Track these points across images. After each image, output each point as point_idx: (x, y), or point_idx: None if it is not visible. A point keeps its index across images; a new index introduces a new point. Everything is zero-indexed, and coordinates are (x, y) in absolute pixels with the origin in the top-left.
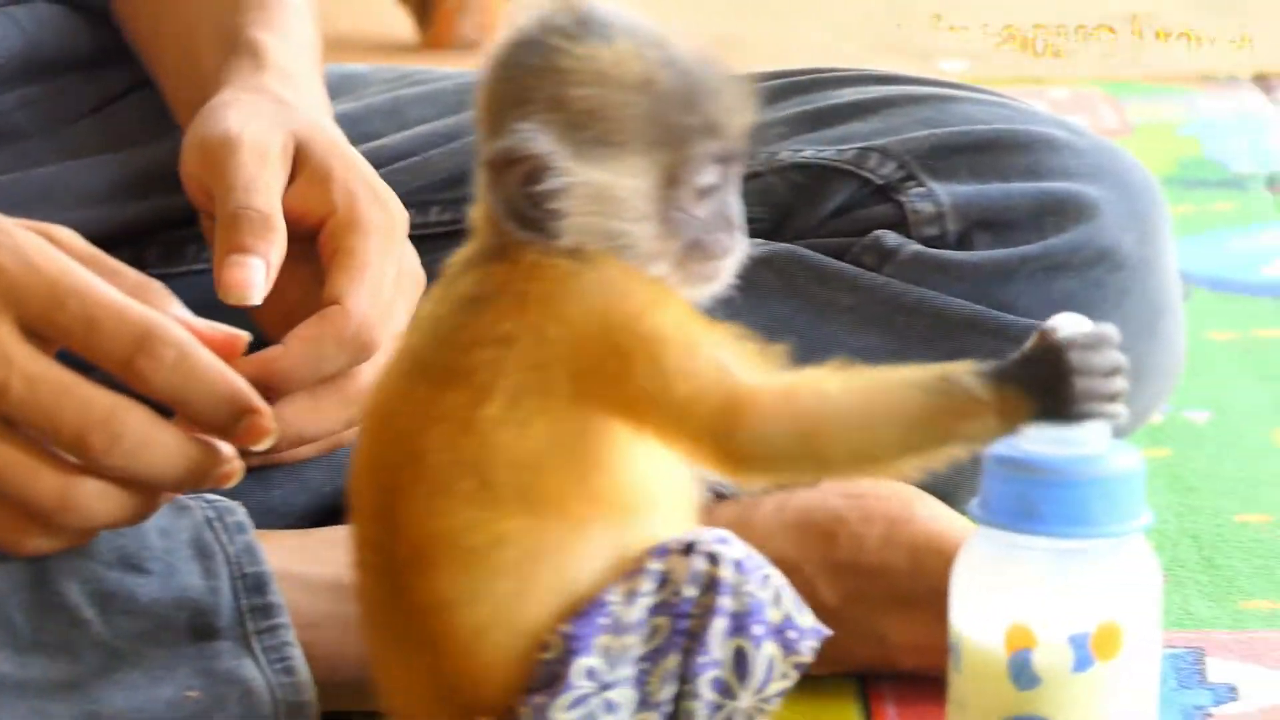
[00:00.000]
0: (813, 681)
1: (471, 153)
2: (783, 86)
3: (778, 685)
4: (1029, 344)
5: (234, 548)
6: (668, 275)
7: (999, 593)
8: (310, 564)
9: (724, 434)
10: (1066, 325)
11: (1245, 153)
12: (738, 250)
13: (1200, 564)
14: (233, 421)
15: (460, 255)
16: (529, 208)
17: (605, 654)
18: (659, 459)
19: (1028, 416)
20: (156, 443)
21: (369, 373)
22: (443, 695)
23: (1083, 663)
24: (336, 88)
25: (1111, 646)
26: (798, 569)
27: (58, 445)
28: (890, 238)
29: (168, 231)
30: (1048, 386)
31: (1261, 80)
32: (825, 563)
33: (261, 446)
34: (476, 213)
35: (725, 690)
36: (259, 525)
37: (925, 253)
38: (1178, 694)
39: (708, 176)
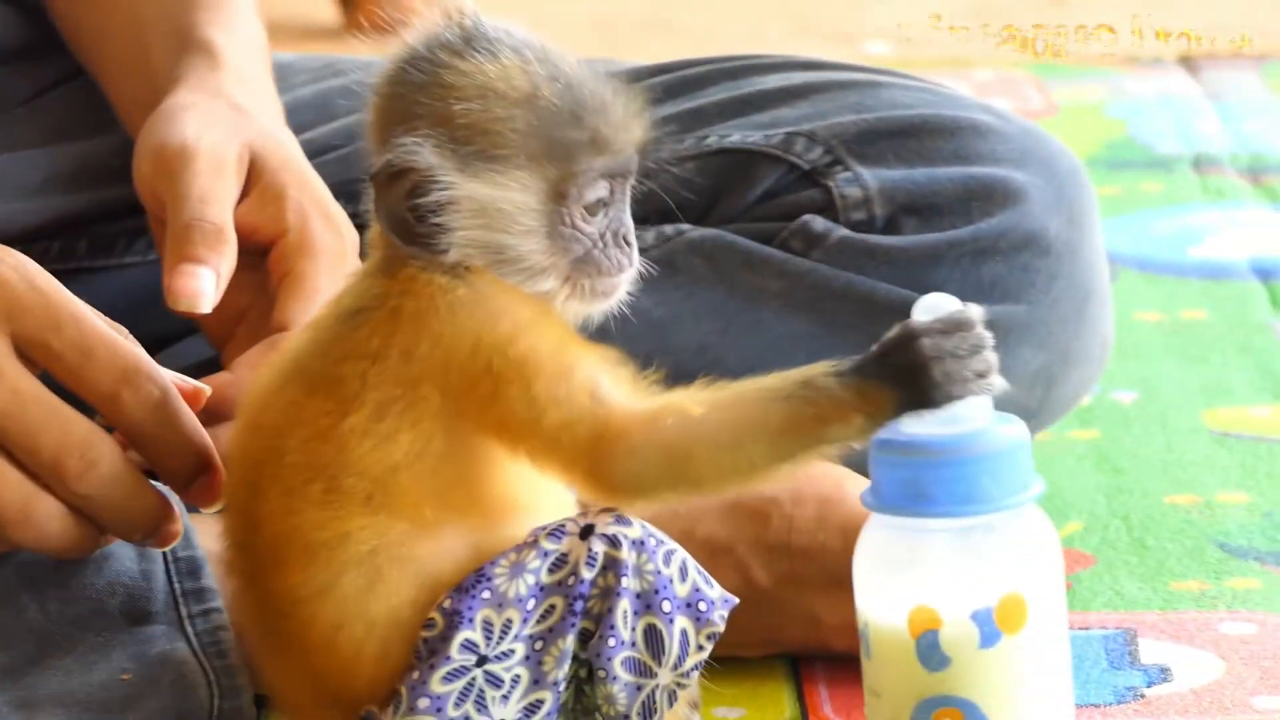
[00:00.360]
0: (745, 663)
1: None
2: (709, 73)
3: (694, 659)
4: (887, 335)
5: None
6: (556, 292)
7: (899, 577)
8: None
9: (595, 464)
10: (930, 308)
11: (1171, 134)
12: (631, 267)
13: (1130, 545)
14: (195, 474)
15: (360, 265)
16: (412, 221)
17: (485, 627)
18: (533, 472)
19: (893, 409)
20: (125, 480)
21: None
22: (315, 689)
23: (990, 638)
24: None
25: (1016, 619)
26: (730, 550)
27: (33, 464)
28: (818, 223)
29: (98, 225)
30: (907, 377)
31: (1187, 62)
32: (758, 544)
33: (209, 510)
34: (374, 227)
35: (642, 670)
36: (190, 511)
37: (852, 238)
38: (1110, 675)
39: (597, 191)
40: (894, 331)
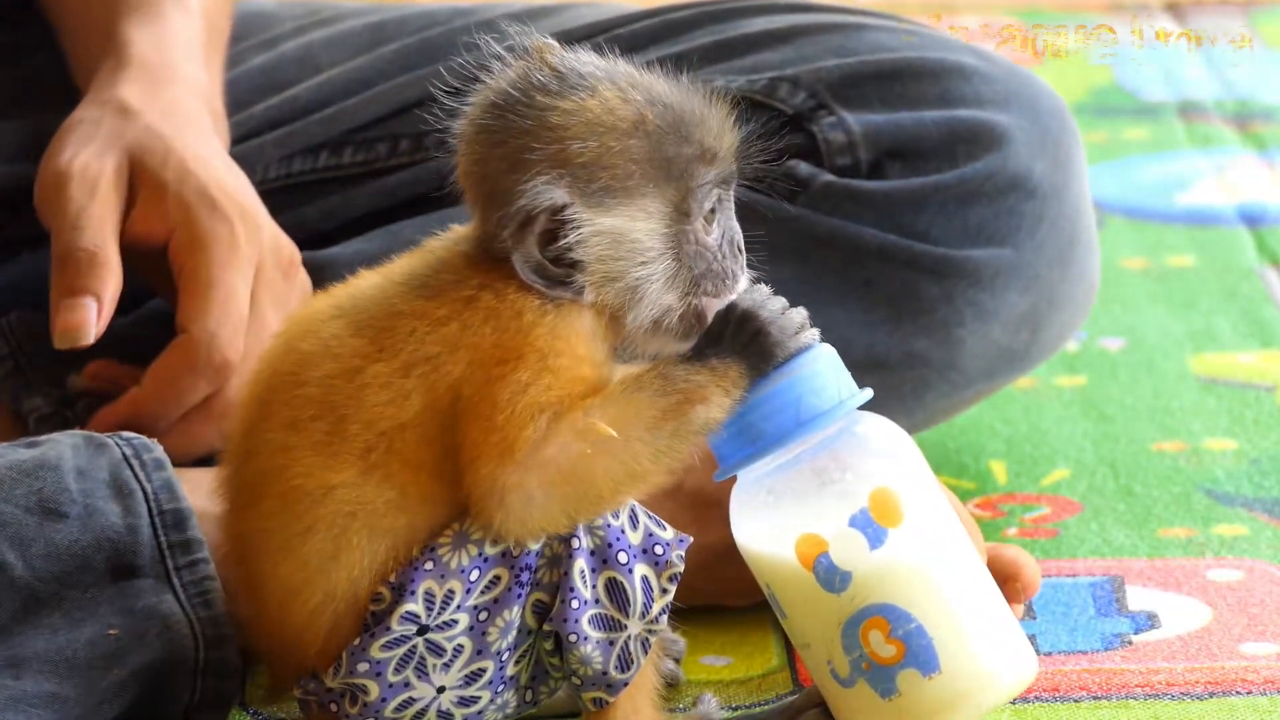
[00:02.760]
0: (733, 613)
1: (384, 99)
2: (694, 16)
3: (660, 603)
4: (715, 318)
5: (152, 485)
6: (674, 309)
7: (773, 522)
8: None
9: (502, 477)
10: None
11: (1157, 81)
12: (743, 276)
13: (1118, 492)
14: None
15: (443, 245)
16: (549, 265)
17: (426, 598)
18: None
19: (743, 379)
20: None
21: (238, 385)
22: (268, 639)
23: (876, 537)
24: (246, 29)
25: (893, 511)
26: (718, 502)
27: None
28: (802, 168)
29: None
30: (747, 347)
31: (1174, 9)
32: None
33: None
34: (465, 230)
35: (611, 625)
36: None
37: (837, 183)
38: (1097, 622)
39: (710, 201)
40: (722, 313)
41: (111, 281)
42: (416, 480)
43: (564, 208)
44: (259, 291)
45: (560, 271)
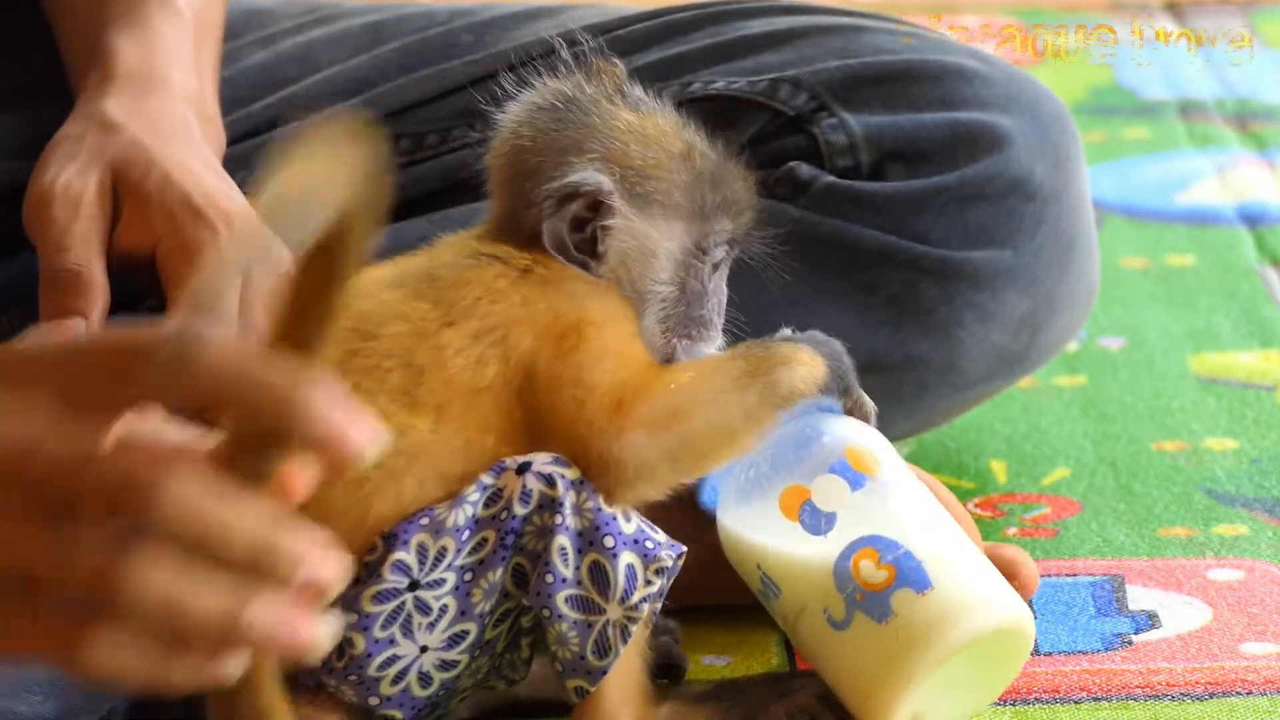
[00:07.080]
0: (733, 612)
1: (383, 99)
2: (694, 18)
3: (642, 592)
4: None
5: None
6: (656, 334)
7: (758, 495)
8: None
9: (608, 428)
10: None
11: (1157, 80)
12: (719, 340)
13: (1118, 492)
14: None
15: (473, 232)
16: (579, 241)
17: (419, 551)
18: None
19: (822, 375)
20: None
21: None
22: None
23: (857, 480)
24: (245, 25)
25: (869, 462)
26: None
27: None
28: (803, 169)
29: None
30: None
31: (1174, 9)
32: None
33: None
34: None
35: (589, 607)
36: None
37: (838, 184)
38: (1097, 622)
39: (720, 253)
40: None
41: (98, 300)
42: (483, 441)
43: (608, 194)
44: (248, 295)
45: (579, 256)
